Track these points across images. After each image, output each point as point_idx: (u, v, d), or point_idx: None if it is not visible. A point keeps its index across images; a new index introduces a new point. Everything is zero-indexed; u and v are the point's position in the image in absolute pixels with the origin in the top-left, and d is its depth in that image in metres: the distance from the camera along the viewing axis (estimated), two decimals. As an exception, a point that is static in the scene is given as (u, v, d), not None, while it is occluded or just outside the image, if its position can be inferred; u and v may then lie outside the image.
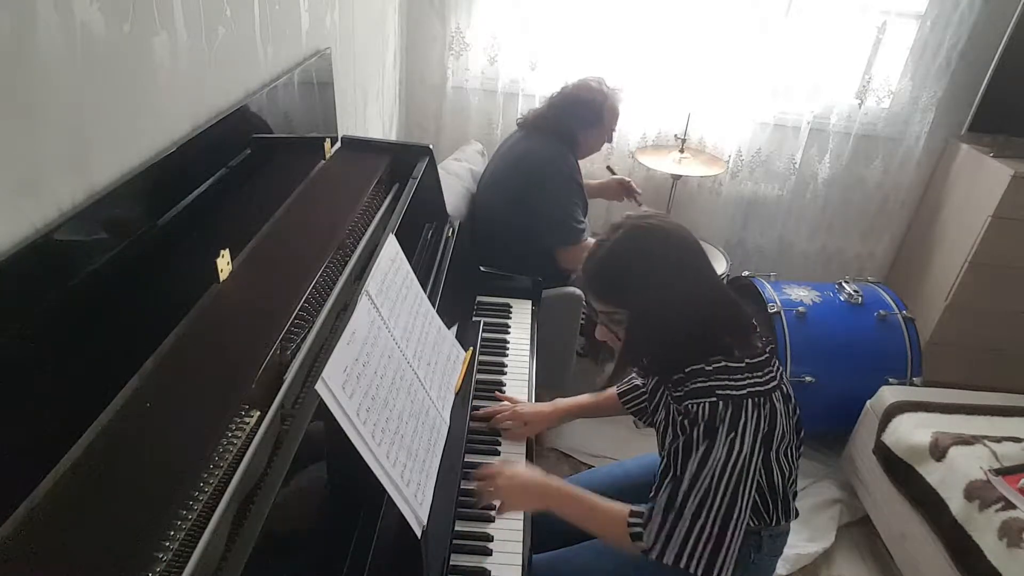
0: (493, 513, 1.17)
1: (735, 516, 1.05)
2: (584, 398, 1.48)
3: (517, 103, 2.72)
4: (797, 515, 1.24)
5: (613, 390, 1.45)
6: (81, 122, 0.81)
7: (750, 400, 1.05)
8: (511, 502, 1.17)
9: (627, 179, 2.48)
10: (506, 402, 1.41)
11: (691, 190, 2.86)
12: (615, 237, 1.12)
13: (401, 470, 0.92)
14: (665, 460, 1.12)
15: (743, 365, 1.07)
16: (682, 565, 1.06)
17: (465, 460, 1.23)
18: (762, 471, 1.12)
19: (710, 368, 1.08)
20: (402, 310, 1.11)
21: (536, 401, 1.48)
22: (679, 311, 1.09)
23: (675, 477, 1.07)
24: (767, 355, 1.11)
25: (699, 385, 1.08)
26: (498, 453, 1.32)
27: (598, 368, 2.67)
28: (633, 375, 1.42)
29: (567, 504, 1.17)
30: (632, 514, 1.12)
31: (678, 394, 1.11)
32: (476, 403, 1.38)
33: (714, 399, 1.05)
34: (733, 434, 1.04)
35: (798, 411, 1.18)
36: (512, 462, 1.27)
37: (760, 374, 1.08)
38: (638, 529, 1.10)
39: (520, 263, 1.86)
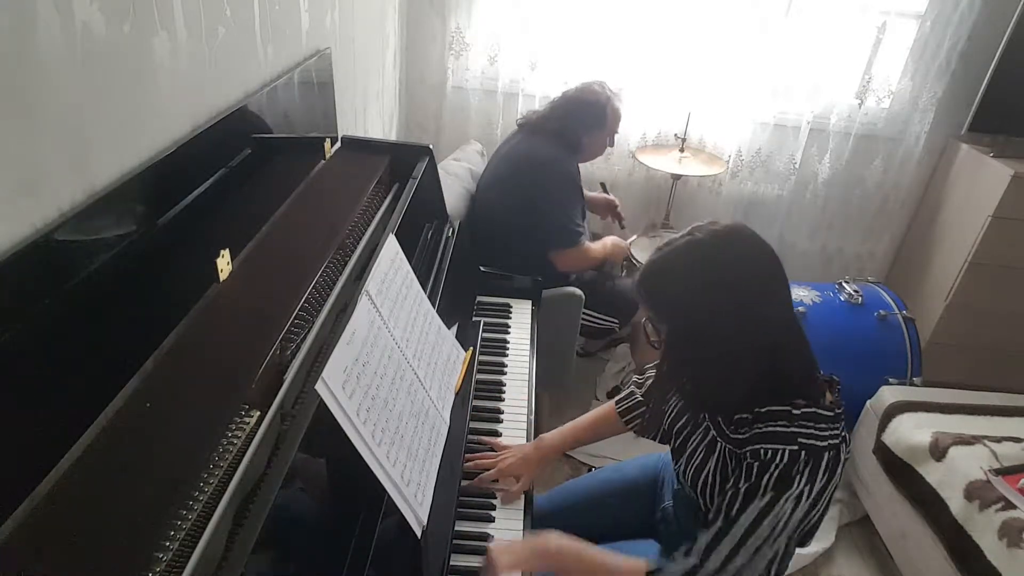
0: (493, 508, 1.17)
1: (776, 560, 0.98)
2: (574, 426, 1.38)
3: (517, 103, 2.72)
4: (809, 543, 1.13)
5: (610, 406, 1.37)
6: (81, 122, 0.81)
7: (829, 453, 0.95)
8: (507, 563, 1.03)
9: (615, 200, 2.48)
10: (490, 457, 1.27)
11: (691, 190, 2.86)
12: (679, 242, 1.00)
13: (401, 470, 0.92)
14: (714, 504, 1.01)
15: (832, 415, 0.97)
16: None
17: (465, 460, 1.23)
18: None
19: (797, 412, 0.96)
20: (402, 310, 1.11)
21: (535, 403, 1.47)
22: (724, 344, 0.97)
23: (725, 522, 0.97)
24: (843, 406, 1.01)
25: (779, 429, 0.96)
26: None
27: (598, 368, 2.67)
28: (633, 388, 1.36)
29: (577, 564, 1.06)
30: (651, 563, 1.02)
31: (740, 435, 1.00)
32: (476, 404, 1.38)
33: (795, 447, 0.94)
34: (807, 488, 0.94)
35: (848, 455, 1.10)
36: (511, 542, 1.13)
37: (839, 425, 0.98)
38: (660, 568, 1.00)
39: (520, 263, 1.86)
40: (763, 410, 0.98)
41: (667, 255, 1.00)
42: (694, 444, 1.13)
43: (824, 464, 0.94)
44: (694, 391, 1.07)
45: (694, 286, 0.97)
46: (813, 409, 0.96)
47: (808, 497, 0.94)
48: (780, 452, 0.94)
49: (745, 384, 0.99)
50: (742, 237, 0.99)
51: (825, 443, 0.95)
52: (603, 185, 2.56)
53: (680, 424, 1.18)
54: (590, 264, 2.18)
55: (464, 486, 1.19)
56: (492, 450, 1.30)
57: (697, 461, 1.10)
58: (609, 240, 2.22)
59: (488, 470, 1.24)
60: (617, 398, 1.37)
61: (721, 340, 0.97)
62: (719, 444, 1.06)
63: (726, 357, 0.98)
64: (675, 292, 0.99)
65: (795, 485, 0.93)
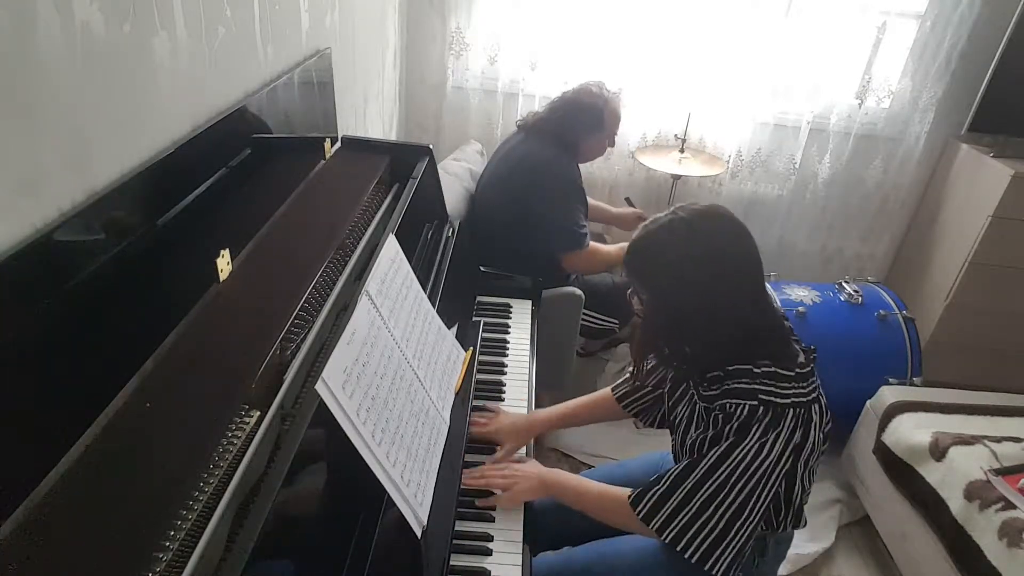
0: (494, 506, 1.18)
1: (744, 517, 1.04)
2: (569, 405, 1.44)
3: (517, 103, 2.72)
4: (805, 524, 1.21)
5: (607, 391, 1.42)
6: (81, 122, 0.81)
7: (791, 410, 1.03)
8: (516, 490, 1.17)
9: (645, 215, 2.45)
10: (487, 417, 1.36)
11: (691, 190, 2.86)
12: (663, 219, 1.09)
13: (401, 470, 0.92)
14: (686, 451, 1.13)
15: (792, 374, 1.05)
16: (679, 547, 1.06)
17: (465, 460, 1.23)
18: (785, 482, 1.10)
19: (758, 371, 1.05)
20: (402, 310, 1.11)
21: (535, 403, 1.47)
22: (710, 312, 1.06)
23: (692, 461, 1.07)
24: (811, 367, 1.09)
25: (742, 386, 1.06)
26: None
27: (598, 368, 2.67)
28: (627, 376, 1.38)
29: (572, 489, 1.20)
30: (634, 491, 1.13)
31: (712, 392, 1.10)
32: (476, 404, 1.38)
33: (755, 402, 1.03)
34: (765, 439, 1.02)
35: (830, 422, 1.14)
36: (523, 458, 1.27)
37: (804, 384, 1.06)
38: (639, 491, 1.11)
39: (520, 263, 1.86)
40: (731, 368, 1.08)
41: (652, 230, 1.10)
42: (681, 414, 1.20)
43: (787, 420, 1.03)
44: (671, 354, 1.16)
45: (675, 257, 1.07)
46: (773, 368, 1.05)
47: (773, 447, 1.02)
48: (741, 406, 1.04)
49: (717, 347, 1.09)
50: (720, 215, 1.10)
51: (788, 400, 1.04)
52: (628, 200, 2.55)
53: (674, 399, 1.25)
54: (602, 267, 2.16)
55: (464, 487, 1.19)
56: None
57: (682, 428, 1.19)
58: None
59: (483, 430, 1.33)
60: (614, 385, 1.42)
61: (697, 307, 1.07)
62: (697, 407, 1.14)
63: (701, 323, 1.08)
64: (658, 263, 1.09)
65: (751, 434, 1.03)
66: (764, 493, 1.04)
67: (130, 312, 0.85)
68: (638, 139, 2.75)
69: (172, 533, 0.65)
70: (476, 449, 1.31)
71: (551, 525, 1.33)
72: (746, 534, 1.05)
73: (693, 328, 1.09)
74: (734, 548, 1.05)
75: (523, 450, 1.33)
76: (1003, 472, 1.66)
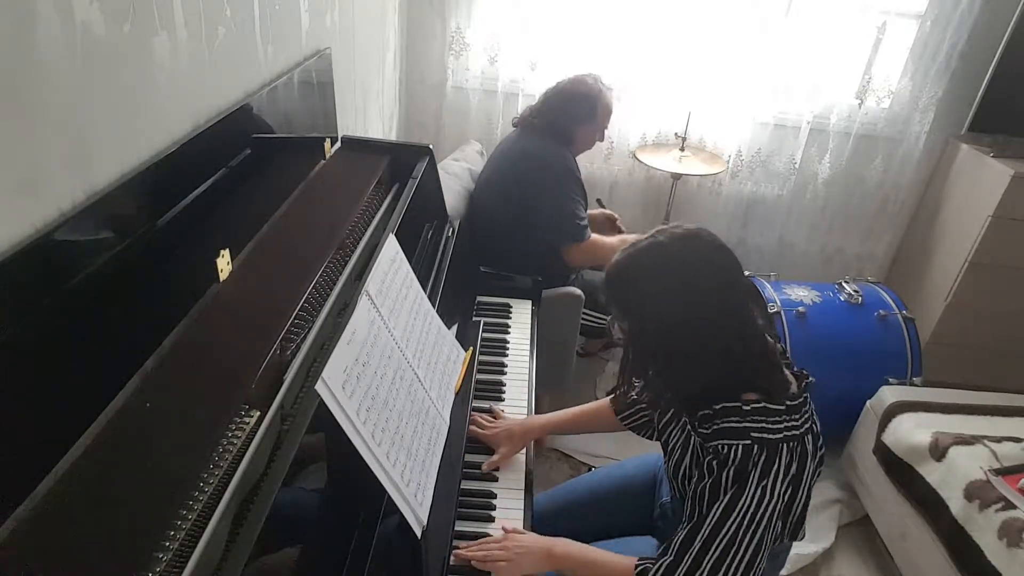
0: (493, 508, 1.18)
1: (755, 566, 0.99)
2: (567, 413, 1.42)
3: (517, 103, 2.72)
4: (803, 536, 1.15)
5: (605, 402, 1.39)
6: (81, 122, 0.81)
7: (785, 445, 0.99)
8: (520, 564, 1.08)
9: (615, 215, 2.47)
10: (485, 418, 1.35)
11: (691, 190, 2.86)
12: (641, 245, 1.05)
13: (401, 470, 0.92)
14: (689, 503, 1.07)
15: (782, 408, 1.01)
16: None
17: (465, 460, 1.23)
18: (789, 505, 1.06)
19: (747, 408, 1.01)
20: (402, 310, 1.11)
21: (535, 404, 1.47)
22: (685, 340, 1.02)
23: (697, 521, 1.01)
24: (804, 396, 1.05)
25: (732, 425, 1.01)
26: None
27: (599, 367, 2.67)
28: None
29: (576, 560, 1.11)
30: (641, 559, 1.05)
31: (705, 430, 1.05)
32: (476, 404, 1.39)
33: (748, 442, 0.99)
34: (765, 481, 0.98)
35: (823, 447, 1.11)
36: (514, 531, 1.16)
37: (797, 416, 1.02)
38: (647, 565, 1.03)
39: (520, 263, 1.86)
40: (719, 407, 1.03)
41: (631, 255, 1.06)
42: (675, 440, 1.17)
43: (782, 455, 0.99)
44: (656, 384, 1.12)
45: (655, 286, 1.02)
46: (762, 404, 1.01)
47: (773, 489, 0.98)
48: (735, 447, 0.99)
49: (701, 379, 1.04)
50: (702, 240, 1.04)
51: (780, 435, 0.99)
52: (599, 201, 2.55)
53: (665, 420, 1.21)
54: (603, 258, 2.15)
55: (464, 487, 1.19)
56: (491, 414, 1.39)
57: (676, 455, 1.15)
58: (631, 236, 2.22)
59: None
60: (611, 397, 1.39)
61: (679, 337, 1.02)
62: (692, 438, 1.10)
63: (684, 353, 1.03)
64: (637, 291, 1.05)
65: (750, 480, 0.97)
66: (770, 535, 1.00)
67: (130, 312, 0.85)
68: (638, 138, 2.75)
69: (172, 533, 0.66)
70: (476, 449, 1.31)
71: (550, 527, 1.33)
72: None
73: (675, 357, 1.04)
74: None
75: (521, 455, 1.32)
76: (1003, 472, 1.66)
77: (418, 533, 0.92)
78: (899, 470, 1.87)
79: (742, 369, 1.03)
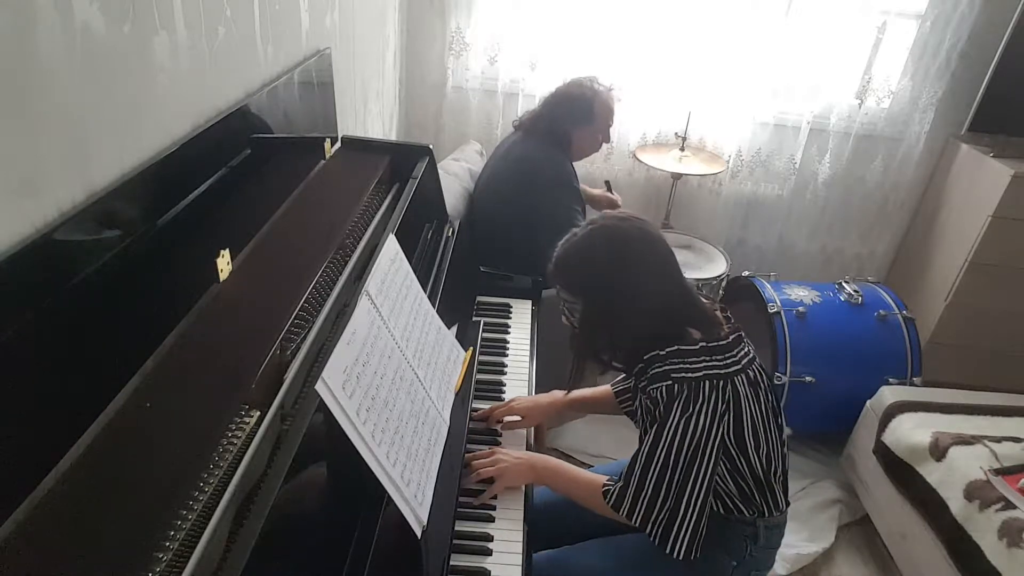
0: (495, 497, 1.20)
1: (689, 491, 1.10)
2: (584, 391, 1.50)
3: (517, 103, 2.72)
4: (788, 504, 1.27)
5: (607, 387, 1.47)
6: (81, 122, 0.81)
7: (707, 382, 1.10)
8: (506, 475, 1.21)
9: (618, 200, 2.49)
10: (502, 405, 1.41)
11: (691, 190, 2.86)
12: (584, 231, 1.19)
13: (401, 470, 0.92)
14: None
15: (697, 348, 1.13)
16: (646, 530, 1.13)
17: (465, 459, 1.23)
18: (738, 456, 1.16)
19: (663, 353, 1.14)
20: (402, 310, 1.11)
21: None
22: (632, 307, 1.15)
23: (637, 451, 1.16)
24: (729, 340, 1.16)
25: (657, 370, 1.14)
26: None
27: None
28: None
29: (555, 475, 1.25)
30: (607, 481, 1.20)
31: (643, 383, 1.18)
32: (476, 404, 1.38)
33: (670, 382, 1.11)
34: (688, 413, 1.10)
35: (772, 397, 1.20)
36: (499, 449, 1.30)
37: (720, 357, 1.13)
38: (608, 486, 1.18)
39: (520, 263, 1.86)
40: (647, 356, 1.17)
41: (573, 242, 1.19)
42: (640, 412, 1.26)
43: (703, 391, 1.10)
44: (608, 353, 1.24)
45: (598, 263, 1.16)
46: (677, 347, 1.14)
47: (698, 421, 1.09)
48: (659, 388, 1.13)
49: (644, 338, 1.17)
50: (631, 220, 1.20)
51: (700, 373, 1.11)
52: (608, 183, 2.56)
53: (636, 403, 1.29)
54: None
55: (464, 487, 1.20)
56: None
57: (638, 418, 1.25)
58: None
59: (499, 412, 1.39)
60: (614, 380, 1.47)
61: (625, 304, 1.15)
62: (640, 399, 1.21)
63: (629, 318, 1.17)
64: (574, 265, 1.19)
65: (673, 412, 1.10)
66: (703, 465, 1.10)
67: (130, 312, 0.85)
68: (638, 138, 2.75)
69: (172, 533, 0.66)
70: (476, 450, 1.31)
71: (550, 525, 1.33)
72: (695, 511, 1.11)
73: (620, 319, 1.17)
74: (688, 526, 1.10)
75: (523, 445, 1.34)
76: (1003, 472, 1.66)
77: (418, 533, 0.92)
78: (899, 470, 1.87)
79: (670, 318, 1.17)
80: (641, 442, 1.18)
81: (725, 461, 1.16)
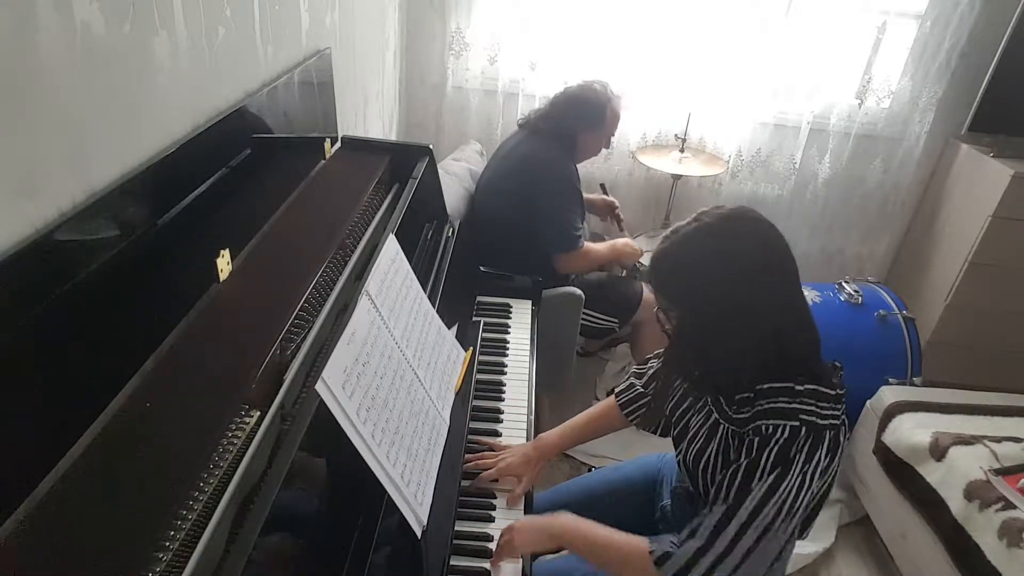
0: (493, 508, 1.17)
1: (783, 553, 0.96)
2: (574, 423, 1.38)
3: (517, 103, 2.72)
4: (807, 536, 1.13)
5: (610, 402, 1.36)
6: (81, 122, 0.81)
7: (828, 433, 0.95)
8: (523, 541, 1.08)
9: (615, 202, 2.48)
10: (489, 458, 1.27)
11: (691, 190, 2.86)
12: (687, 228, 1.00)
13: (401, 470, 0.92)
14: (717, 486, 1.00)
15: (833, 394, 0.97)
16: None
17: (465, 460, 1.23)
18: None
19: (800, 388, 0.96)
20: (402, 310, 1.11)
21: (534, 404, 1.46)
22: (738, 325, 0.97)
23: (733, 503, 0.95)
24: (844, 388, 1.01)
25: (780, 405, 0.96)
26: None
27: (598, 368, 2.67)
28: (633, 380, 1.36)
29: (578, 536, 1.09)
30: (652, 540, 1.01)
31: (742, 415, 1.01)
32: (476, 404, 1.38)
33: (796, 423, 0.94)
34: (808, 467, 0.93)
35: (848, 441, 1.08)
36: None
37: (840, 406, 0.98)
38: (667, 550, 0.98)
39: (520, 263, 1.86)
40: (765, 387, 0.98)
41: (677, 242, 1.00)
42: (695, 427, 1.12)
43: (824, 443, 0.94)
44: (703, 375, 1.06)
45: (706, 271, 0.97)
46: (815, 387, 0.96)
47: (813, 476, 0.94)
48: (781, 427, 0.94)
49: (753, 365, 0.99)
50: (749, 219, 0.99)
51: (826, 421, 0.95)
52: (603, 186, 2.56)
53: (682, 409, 1.17)
54: (593, 266, 2.18)
55: (464, 487, 1.20)
56: (491, 450, 1.31)
57: (699, 444, 1.10)
58: (620, 241, 2.22)
59: (488, 470, 1.24)
60: (617, 390, 1.37)
61: (734, 324, 0.97)
62: (721, 426, 1.06)
63: (737, 340, 0.98)
64: (687, 278, 1.00)
65: (795, 462, 0.93)
66: (799, 524, 0.97)
67: (130, 312, 0.85)
68: (638, 139, 2.75)
69: (172, 533, 0.66)
70: (477, 450, 1.31)
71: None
72: (775, 567, 0.99)
73: (725, 341, 0.99)
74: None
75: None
76: (1003, 472, 1.66)
77: (418, 533, 0.92)
78: (899, 470, 1.87)
79: (791, 350, 0.98)
80: (723, 480, 0.99)
81: None
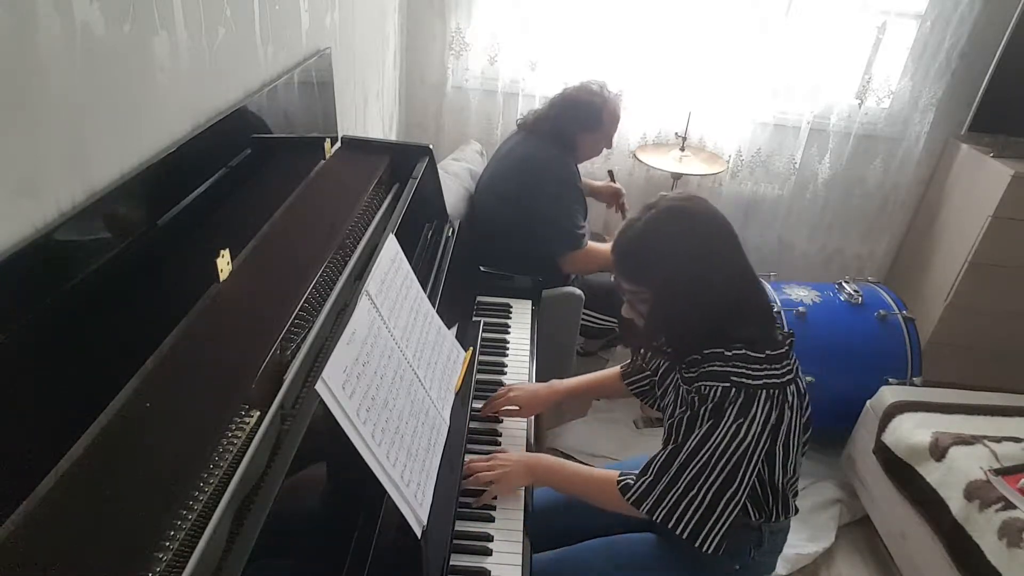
0: (494, 499, 1.19)
1: (730, 492, 1.07)
2: (584, 378, 1.48)
3: (517, 103, 2.72)
4: (796, 511, 1.25)
5: (616, 370, 1.45)
6: (81, 122, 0.81)
7: (764, 392, 1.06)
8: (506, 478, 1.18)
9: (622, 190, 2.48)
10: (502, 390, 1.40)
11: (691, 189, 2.86)
12: (647, 216, 1.12)
13: (401, 470, 0.92)
14: (667, 432, 1.17)
15: (763, 356, 1.08)
16: (670, 525, 1.09)
17: (465, 460, 1.23)
18: (765, 463, 1.13)
19: (729, 354, 1.09)
20: (402, 310, 1.11)
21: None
22: (702, 295, 1.09)
23: (675, 445, 1.10)
24: (786, 348, 1.12)
25: (716, 368, 1.09)
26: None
27: (598, 368, 2.67)
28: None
29: (555, 474, 1.22)
30: (622, 473, 1.16)
31: (690, 375, 1.13)
32: (476, 404, 1.38)
33: (728, 384, 1.07)
34: (741, 420, 1.05)
35: (809, 408, 1.18)
36: (505, 450, 1.28)
37: (778, 366, 1.09)
38: (628, 480, 1.13)
39: (520, 263, 1.86)
40: (707, 351, 1.11)
41: (640, 228, 1.12)
42: (669, 398, 1.24)
43: (760, 400, 1.06)
44: (671, 345, 1.17)
45: (672, 248, 1.09)
46: (744, 351, 1.08)
47: (749, 429, 1.05)
48: (715, 388, 1.08)
49: (702, 331, 1.12)
50: (698, 200, 1.13)
51: (760, 381, 1.07)
52: (611, 173, 2.55)
53: (664, 386, 1.27)
54: (599, 265, 2.17)
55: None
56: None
57: (669, 409, 1.22)
58: None
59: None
60: (624, 364, 1.45)
61: (703, 290, 1.09)
62: (680, 389, 1.17)
63: (701, 308, 1.10)
64: (656, 256, 1.10)
65: (725, 416, 1.06)
66: (746, 472, 1.07)
67: (130, 312, 0.85)
68: (638, 138, 2.75)
69: (172, 533, 0.66)
70: (477, 450, 1.31)
71: (550, 525, 1.33)
72: (731, 511, 1.08)
73: (688, 310, 1.10)
74: (722, 525, 1.08)
75: (523, 445, 1.33)
76: (1003, 472, 1.66)
77: (418, 533, 0.92)
78: (899, 470, 1.87)
79: (741, 314, 1.11)
80: (672, 431, 1.15)
81: None
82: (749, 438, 1.06)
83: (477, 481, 1.18)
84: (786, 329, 1.18)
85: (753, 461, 1.07)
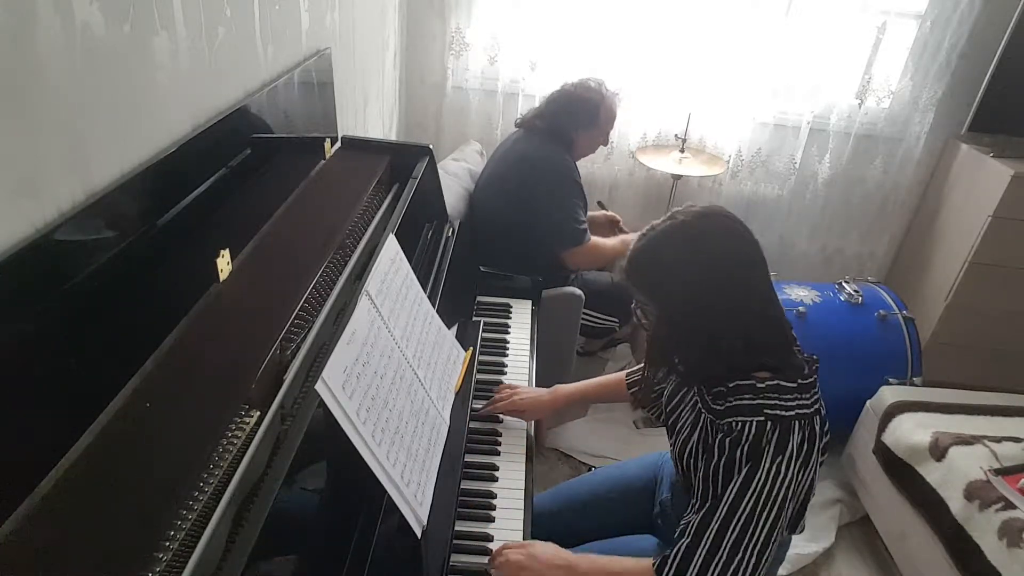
0: (493, 508, 1.18)
1: (770, 545, 0.98)
2: (588, 383, 1.45)
3: (517, 103, 2.72)
4: (803, 529, 1.17)
5: (621, 375, 1.43)
6: (81, 122, 0.81)
7: (797, 423, 0.99)
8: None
9: (616, 216, 2.49)
10: (506, 391, 1.39)
11: (691, 190, 2.86)
12: (663, 226, 1.05)
13: (401, 470, 0.92)
14: (700, 484, 1.05)
15: (795, 386, 1.01)
16: None
17: (465, 460, 1.23)
18: None
19: (761, 386, 1.01)
20: (402, 310, 1.11)
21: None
22: (707, 322, 1.01)
23: (713, 502, 1.00)
24: (813, 378, 1.05)
25: (746, 402, 1.01)
26: (498, 453, 1.31)
27: (598, 368, 2.67)
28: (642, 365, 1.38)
29: (589, 571, 1.07)
30: (656, 557, 1.04)
31: (718, 406, 1.05)
32: (476, 404, 1.38)
33: (762, 418, 0.98)
34: (779, 458, 0.97)
35: (828, 434, 1.10)
36: (525, 544, 1.10)
37: (807, 396, 1.02)
38: (663, 556, 1.02)
39: (520, 263, 1.86)
40: (734, 384, 1.03)
41: (652, 239, 1.05)
42: (684, 419, 1.16)
43: (794, 432, 0.98)
44: (684, 366, 1.11)
45: (675, 263, 1.02)
46: (776, 381, 1.01)
47: (788, 466, 0.97)
48: (748, 423, 0.99)
49: (720, 355, 1.03)
50: (718, 215, 1.05)
51: (792, 412, 0.99)
52: (600, 204, 2.57)
53: (675, 402, 1.21)
54: (603, 260, 2.18)
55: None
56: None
57: (684, 434, 1.14)
58: (631, 236, 2.22)
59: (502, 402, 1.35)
60: (629, 370, 1.42)
61: (702, 312, 1.01)
62: (703, 416, 1.09)
63: (710, 334, 1.02)
64: (659, 271, 1.04)
65: (764, 457, 0.97)
66: (784, 515, 0.99)
67: (130, 312, 0.85)
68: (638, 139, 2.75)
69: (172, 533, 0.66)
70: (477, 450, 1.31)
71: (550, 527, 1.33)
72: (769, 558, 1.00)
73: (699, 334, 1.03)
74: (761, 572, 1.00)
75: (522, 457, 1.32)
76: (1003, 472, 1.66)
77: (418, 533, 0.92)
78: (899, 470, 1.87)
79: (761, 343, 1.03)
80: (706, 480, 1.03)
81: None
82: (788, 477, 0.97)
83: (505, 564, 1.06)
84: (806, 354, 1.10)
85: (789, 501, 0.99)
